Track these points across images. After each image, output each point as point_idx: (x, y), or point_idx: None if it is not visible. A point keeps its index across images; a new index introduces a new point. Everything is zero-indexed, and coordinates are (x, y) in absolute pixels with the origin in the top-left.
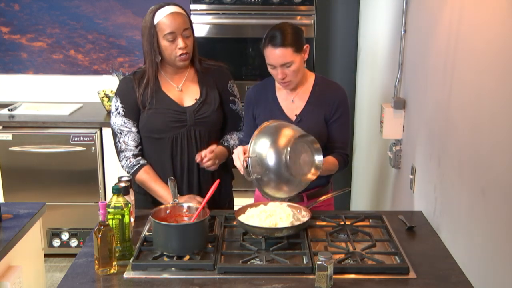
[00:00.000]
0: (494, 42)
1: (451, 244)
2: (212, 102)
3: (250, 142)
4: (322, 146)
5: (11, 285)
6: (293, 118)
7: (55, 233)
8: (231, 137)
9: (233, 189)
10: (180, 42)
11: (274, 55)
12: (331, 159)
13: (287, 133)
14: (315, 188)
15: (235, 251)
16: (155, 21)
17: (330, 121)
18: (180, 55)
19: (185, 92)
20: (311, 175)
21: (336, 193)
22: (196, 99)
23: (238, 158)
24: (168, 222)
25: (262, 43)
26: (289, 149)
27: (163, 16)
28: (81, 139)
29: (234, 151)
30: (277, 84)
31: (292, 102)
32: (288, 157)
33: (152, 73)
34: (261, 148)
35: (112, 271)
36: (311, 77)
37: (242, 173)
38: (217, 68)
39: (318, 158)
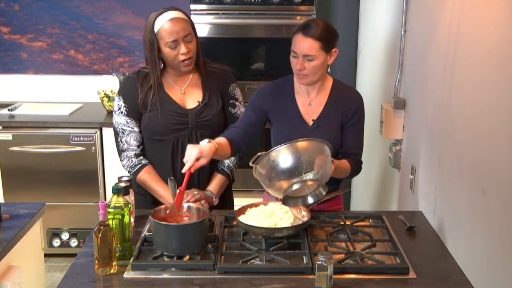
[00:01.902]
0: (494, 42)
1: (451, 244)
2: (214, 105)
3: (280, 145)
4: (337, 152)
5: (11, 285)
6: (310, 123)
7: (55, 233)
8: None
9: (233, 189)
10: (182, 48)
11: (301, 43)
12: (344, 163)
13: (307, 168)
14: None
15: (235, 251)
16: (155, 29)
17: (346, 126)
18: (183, 60)
19: (188, 94)
20: (298, 204)
21: (336, 193)
22: (198, 101)
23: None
24: (168, 222)
25: (294, 30)
26: (299, 186)
27: (163, 23)
28: (81, 139)
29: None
30: (295, 86)
31: (309, 105)
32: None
33: (156, 80)
34: (282, 160)
35: (112, 271)
36: (328, 81)
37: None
38: (220, 71)
39: (310, 200)
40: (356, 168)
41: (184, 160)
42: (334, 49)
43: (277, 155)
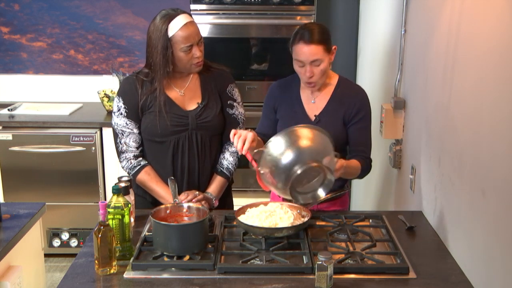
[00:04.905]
0: (494, 42)
1: (451, 244)
2: (213, 107)
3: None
4: (340, 149)
5: (11, 285)
6: (313, 118)
7: (55, 233)
8: (224, 157)
9: (232, 189)
10: (196, 52)
11: (306, 51)
12: (354, 162)
13: (313, 150)
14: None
15: (235, 251)
16: (170, 34)
17: (350, 124)
18: (196, 62)
19: (187, 96)
20: (307, 200)
21: (335, 194)
22: (198, 103)
23: (242, 142)
24: (168, 222)
25: (290, 41)
26: (301, 170)
27: (178, 29)
28: (81, 139)
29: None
30: (302, 83)
31: (313, 103)
32: (297, 173)
33: (162, 84)
34: (277, 148)
35: (112, 271)
36: (334, 78)
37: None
38: (219, 71)
39: (321, 192)
40: (367, 166)
41: (237, 143)
42: (333, 47)
43: (273, 146)
